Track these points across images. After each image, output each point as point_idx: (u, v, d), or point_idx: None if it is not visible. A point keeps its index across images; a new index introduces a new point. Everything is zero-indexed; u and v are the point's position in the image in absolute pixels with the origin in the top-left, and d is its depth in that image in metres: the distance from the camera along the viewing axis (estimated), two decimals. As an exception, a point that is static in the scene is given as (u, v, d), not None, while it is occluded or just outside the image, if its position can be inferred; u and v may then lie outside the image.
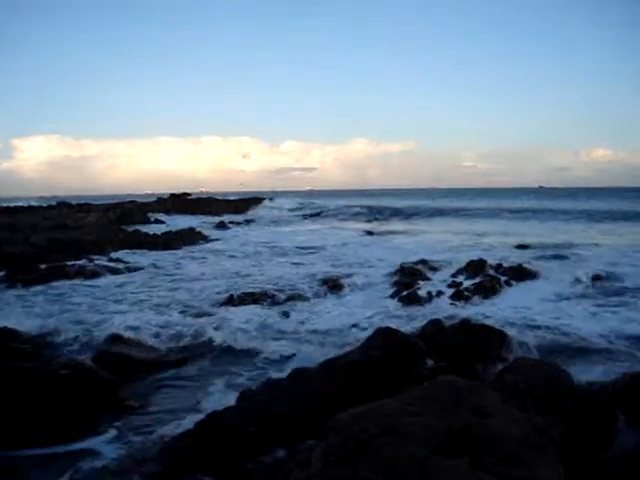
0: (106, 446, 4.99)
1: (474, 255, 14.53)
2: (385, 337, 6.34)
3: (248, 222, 37.35)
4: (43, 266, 13.98)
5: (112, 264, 15.26)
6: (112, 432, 5.27)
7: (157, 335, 8.35)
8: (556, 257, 15.72)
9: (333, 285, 11.91)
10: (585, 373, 5.77)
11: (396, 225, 33.28)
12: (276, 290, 11.47)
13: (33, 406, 5.26)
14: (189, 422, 5.05)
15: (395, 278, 12.52)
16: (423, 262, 14.08)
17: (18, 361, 6.20)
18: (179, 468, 4.44)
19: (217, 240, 23.54)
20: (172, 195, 51.01)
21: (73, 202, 47.67)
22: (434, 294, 10.80)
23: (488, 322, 7.79)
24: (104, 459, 4.72)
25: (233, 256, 18.31)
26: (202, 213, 44.88)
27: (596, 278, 12.06)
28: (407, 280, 12.03)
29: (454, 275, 12.70)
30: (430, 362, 6.41)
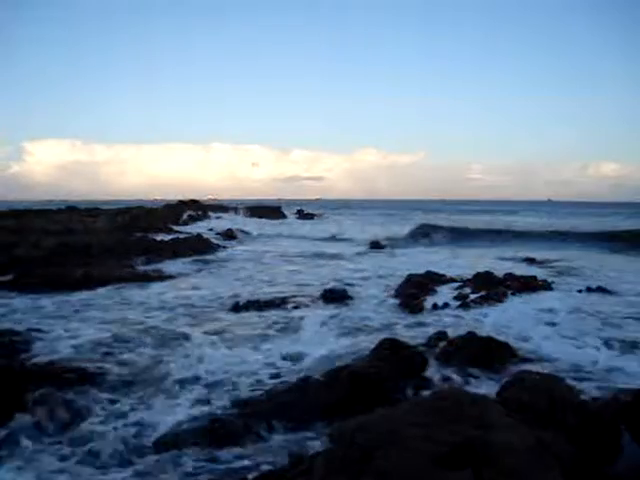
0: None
1: (481, 267, 14.51)
2: (389, 347, 6.34)
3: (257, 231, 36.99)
4: (50, 270, 14.03)
5: (117, 271, 15.28)
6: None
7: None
8: (563, 272, 15.66)
9: (338, 296, 11.86)
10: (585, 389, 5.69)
11: (401, 238, 33.08)
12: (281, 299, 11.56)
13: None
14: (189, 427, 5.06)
15: (402, 289, 12.50)
16: (430, 274, 14.05)
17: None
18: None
19: (225, 249, 23.47)
20: (180, 202, 51.08)
21: (82, 207, 47.92)
22: (440, 305, 10.78)
23: (491, 333, 7.76)
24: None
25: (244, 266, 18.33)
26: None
27: (596, 290, 12.22)
28: (413, 291, 12.01)
29: (460, 287, 12.66)
30: (434, 373, 6.41)
